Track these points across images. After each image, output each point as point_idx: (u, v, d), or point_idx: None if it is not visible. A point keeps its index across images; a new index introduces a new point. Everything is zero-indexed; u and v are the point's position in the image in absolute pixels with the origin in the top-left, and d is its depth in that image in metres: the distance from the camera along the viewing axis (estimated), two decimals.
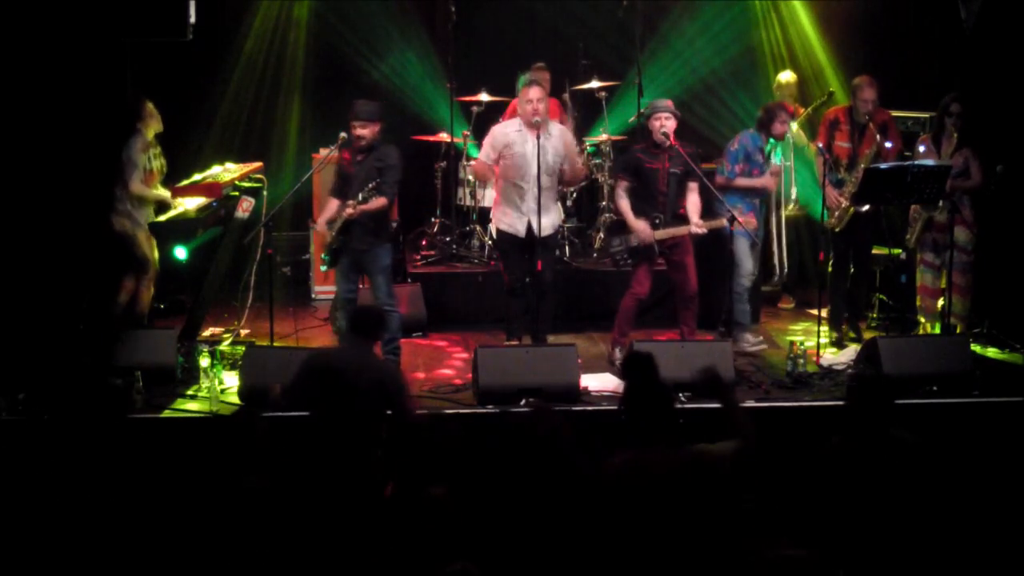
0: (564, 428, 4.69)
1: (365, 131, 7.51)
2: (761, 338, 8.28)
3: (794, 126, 8.79)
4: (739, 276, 8.18)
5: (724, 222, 7.72)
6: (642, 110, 8.22)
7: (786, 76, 9.66)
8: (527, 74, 7.90)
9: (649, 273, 7.88)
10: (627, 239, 7.79)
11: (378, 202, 7.45)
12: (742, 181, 8.13)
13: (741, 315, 8.27)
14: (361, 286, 7.91)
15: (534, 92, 7.63)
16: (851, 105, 8.35)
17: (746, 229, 7.80)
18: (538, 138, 7.63)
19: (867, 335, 8.36)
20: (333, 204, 7.69)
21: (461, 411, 7.02)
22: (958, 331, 8.14)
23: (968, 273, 8.32)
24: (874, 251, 8.70)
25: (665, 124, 7.69)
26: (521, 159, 7.72)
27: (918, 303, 8.52)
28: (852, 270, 8.52)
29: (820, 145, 8.19)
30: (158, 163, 8.34)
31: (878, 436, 4.91)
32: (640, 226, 7.73)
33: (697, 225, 7.73)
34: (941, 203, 8.10)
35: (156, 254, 8.44)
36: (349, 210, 7.39)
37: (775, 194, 8.59)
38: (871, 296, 9.08)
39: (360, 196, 7.37)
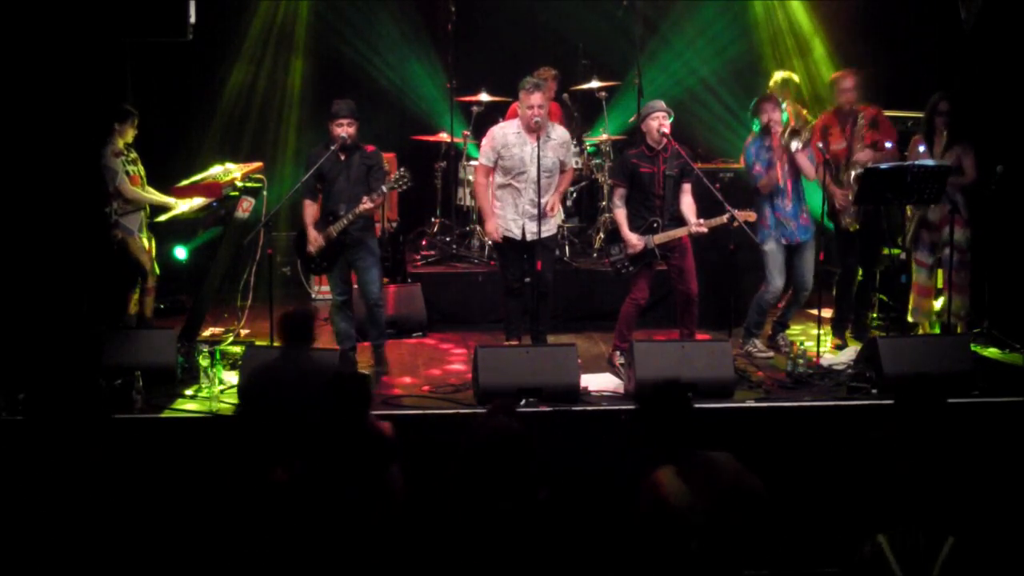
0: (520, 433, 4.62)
1: (351, 129, 7.56)
2: (772, 353, 8.26)
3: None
4: (766, 292, 8.17)
5: (724, 219, 7.71)
6: (640, 111, 8.20)
7: (779, 75, 9.59)
8: (531, 77, 7.88)
9: (649, 279, 7.87)
10: (626, 247, 7.78)
11: (379, 200, 7.63)
12: (771, 175, 8.02)
13: (755, 326, 8.28)
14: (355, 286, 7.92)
15: (535, 98, 7.62)
16: (835, 104, 8.34)
17: (747, 227, 7.78)
18: (538, 141, 7.64)
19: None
20: (312, 207, 7.74)
21: (461, 411, 7.02)
22: (958, 330, 8.13)
23: (964, 270, 8.32)
24: None
25: (663, 124, 7.68)
26: (519, 160, 7.72)
27: (911, 303, 8.50)
28: (861, 274, 8.51)
29: (820, 145, 8.16)
30: (133, 168, 8.37)
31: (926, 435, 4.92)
32: (632, 240, 7.72)
33: (697, 224, 7.71)
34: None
35: (154, 256, 8.45)
36: (365, 207, 7.46)
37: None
38: (872, 296, 9.08)
39: (371, 197, 7.47)
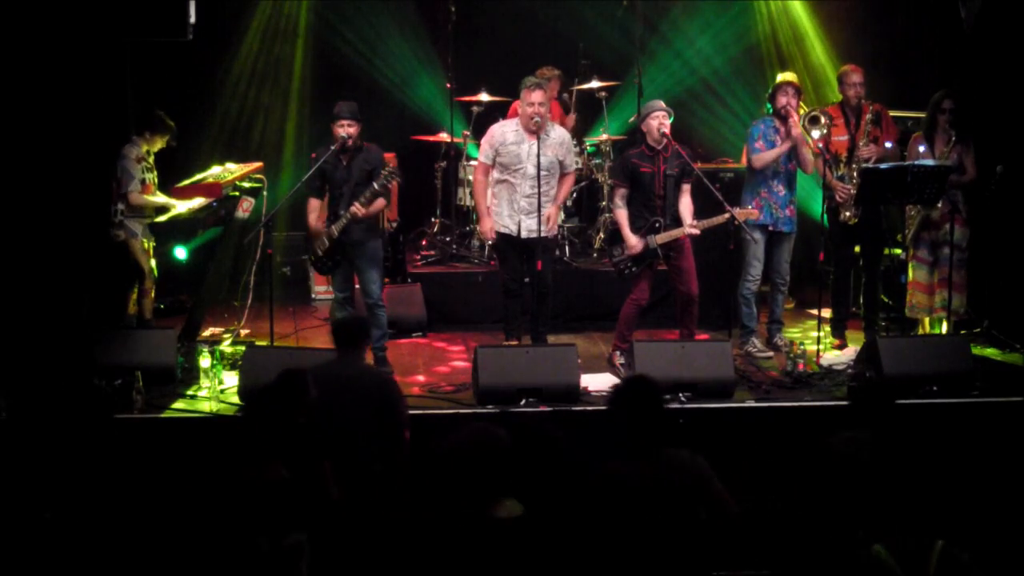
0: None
1: (352, 130, 7.55)
2: (771, 353, 8.27)
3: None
4: (745, 280, 8.19)
5: (724, 218, 7.70)
6: (640, 111, 8.19)
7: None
8: (532, 76, 7.89)
9: (650, 280, 7.87)
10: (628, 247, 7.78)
11: (379, 204, 7.61)
12: (768, 154, 8.08)
13: (748, 318, 8.28)
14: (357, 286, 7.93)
15: (536, 96, 7.63)
16: (841, 97, 8.36)
17: (745, 226, 7.78)
18: (537, 139, 7.64)
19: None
20: (315, 204, 7.76)
21: (461, 411, 7.02)
22: (943, 327, 8.16)
23: (963, 269, 8.33)
24: None
25: (664, 123, 7.68)
26: (515, 156, 7.72)
27: (908, 299, 8.49)
28: (865, 274, 8.51)
29: (820, 145, 8.16)
30: (151, 176, 8.36)
31: (880, 437, 4.92)
32: (632, 241, 7.72)
33: (691, 226, 7.72)
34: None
35: (153, 262, 8.44)
36: (356, 209, 7.44)
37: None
38: (879, 297, 9.07)
39: (363, 199, 7.45)
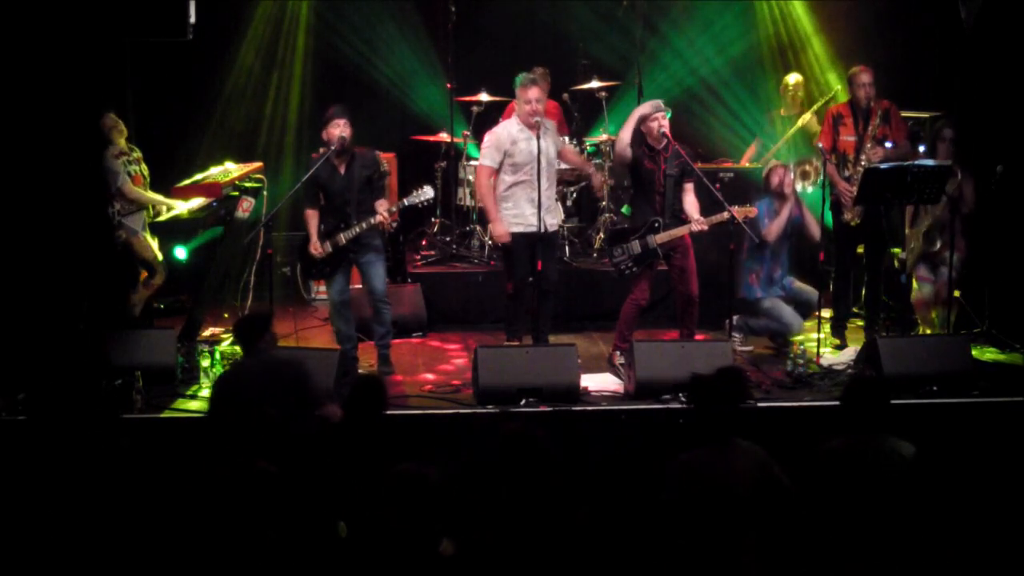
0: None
1: (348, 131, 7.52)
2: (751, 347, 8.32)
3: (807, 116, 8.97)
4: (788, 332, 8.30)
5: (725, 217, 7.70)
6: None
7: (793, 78, 9.66)
8: (527, 73, 7.91)
9: (650, 280, 7.87)
10: (629, 247, 7.76)
11: (396, 215, 7.76)
12: (775, 224, 8.21)
13: (751, 329, 8.36)
14: (356, 286, 7.92)
15: (533, 92, 7.63)
16: (851, 97, 8.37)
17: (746, 225, 7.79)
18: (538, 136, 7.65)
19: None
20: (314, 216, 7.71)
21: (461, 411, 7.02)
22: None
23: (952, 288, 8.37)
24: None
25: (663, 124, 7.68)
26: (528, 155, 7.69)
27: (916, 315, 8.54)
28: (867, 274, 8.53)
29: (821, 146, 8.17)
30: (136, 168, 8.35)
31: (874, 438, 4.92)
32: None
33: (698, 222, 7.70)
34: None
35: (159, 255, 8.45)
36: (384, 219, 7.52)
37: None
38: (880, 298, 9.08)
39: (394, 208, 7.61)
